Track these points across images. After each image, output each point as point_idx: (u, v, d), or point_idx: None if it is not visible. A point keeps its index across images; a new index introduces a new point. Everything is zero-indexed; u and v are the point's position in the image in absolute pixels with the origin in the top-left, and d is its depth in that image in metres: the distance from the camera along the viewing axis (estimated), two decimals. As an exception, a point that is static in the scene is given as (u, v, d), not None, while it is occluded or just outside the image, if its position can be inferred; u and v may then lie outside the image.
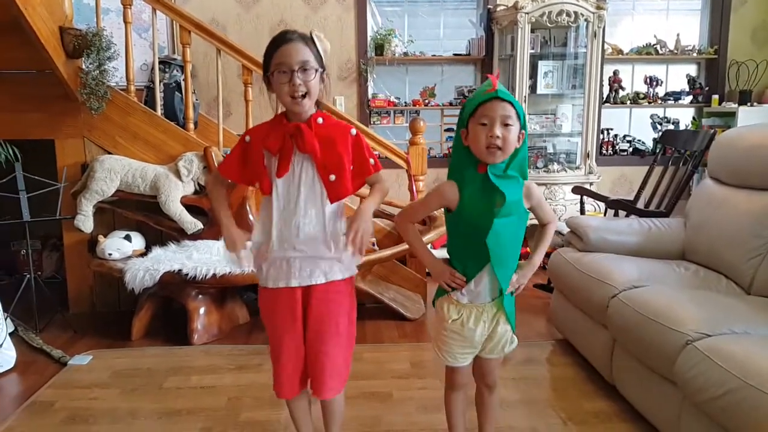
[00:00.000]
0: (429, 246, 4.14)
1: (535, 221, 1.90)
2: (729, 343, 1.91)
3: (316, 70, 1.72)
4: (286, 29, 1.76)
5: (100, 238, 3.55)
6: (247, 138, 1.82)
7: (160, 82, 3.98)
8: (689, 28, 5.47)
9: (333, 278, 1.84)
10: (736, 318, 2.12)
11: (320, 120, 1.77)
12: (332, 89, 5.24)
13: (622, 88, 5.38)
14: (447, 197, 1.77)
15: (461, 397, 2.00)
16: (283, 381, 1.89)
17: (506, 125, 1.67)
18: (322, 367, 1.85)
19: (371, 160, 1.85)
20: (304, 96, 1.71)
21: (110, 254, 3.45)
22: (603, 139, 5.38)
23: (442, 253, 4.78)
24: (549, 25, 4.76)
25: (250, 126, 3.80)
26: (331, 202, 1.78)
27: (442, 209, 1.83)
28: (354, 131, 1.82)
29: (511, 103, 1.68)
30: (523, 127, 1.72)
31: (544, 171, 4.96)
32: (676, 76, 5.50)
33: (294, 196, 1.77)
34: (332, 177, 1.76)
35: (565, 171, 4.96)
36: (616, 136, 5.48)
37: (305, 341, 1.87)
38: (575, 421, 2.43)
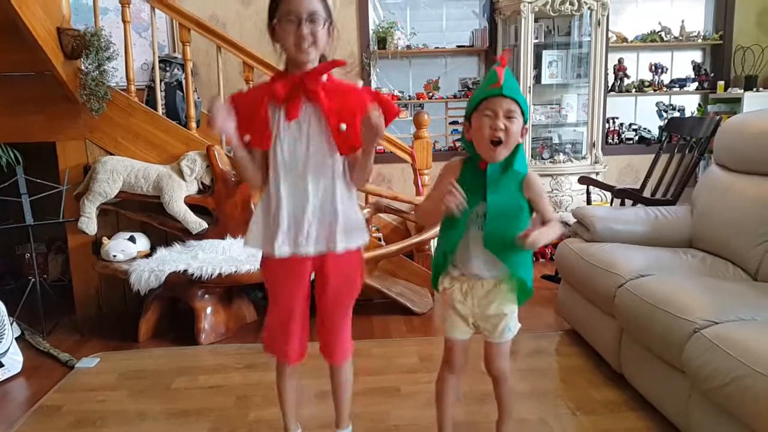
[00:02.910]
0: (435, 240, 4.13)
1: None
2: (736, 330, 1.89)
3: (325, 21, 1.66)
4: None
5: (105, 239, 3.55)
6: (244, 89, 1.77)
7: (160, 81, 3.98)
8: (694, 14, 5.42)
9: (349, 246, 1.79)
10: (744, 305, 2.09)
11: (324, 77, 1.71)
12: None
13: (627, 76, 5.35)
14: (455, 171, 1.78)
15: (451, 380, 1.97)
16: (292, 347, 1.88)
17: (510, 118, 1.66)
18: (339, 333, 1.88)
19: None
20: (309, 47, 1.65)
21: (115, 256, 3.45)
22: (609, 128, 5.35)
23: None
24: (552, 14, 4.72)
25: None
26: (342, 154, 1.72)
27: None
28: (360, 83, 1.79)
29: (516, 100, 1.66)
30: (525, 121, 1.70)
31: (550, 161, 4.93)
32: (682, 63, 5.46)
33: (302, 154, 1.70)
34: (343, 126, 1.69)
35: (571, 161, 4.93)
36: (621, 124, 5.44)
37: (318, 306, 1.87)
38: (584, 410, 2.42)
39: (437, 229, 3.58)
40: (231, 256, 3.36)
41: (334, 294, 1.84)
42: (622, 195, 3.82)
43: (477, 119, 1.69)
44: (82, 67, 3.51)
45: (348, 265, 1.83)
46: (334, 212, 1.74)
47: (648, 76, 5.40)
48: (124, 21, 3.66)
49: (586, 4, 4.67)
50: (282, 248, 1.73)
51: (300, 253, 1.74)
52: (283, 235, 1.73)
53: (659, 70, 5.36)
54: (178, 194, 3.53)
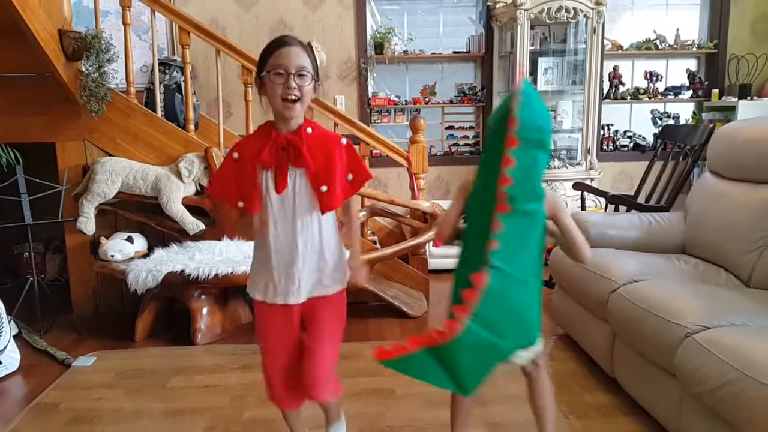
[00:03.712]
0: (431, 244, 4.17)
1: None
2: (728, 335, 1.92)
3: (312, 78, 1.71)
4: (286, 34, 1.75)
5: (102, 239, 3.57)
6: (235, 155, 1.77)
7: (160, 83, 4.00)
8: (689, 23, 5.47)
9: (333, 292, 1.86)
10: (735, 310, 2.12)
11: (309, 130, 1.75)
12: (332, 88, 5.29)
13: (622, 84, 5.39)
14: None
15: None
16: (283, 393, 1.90)
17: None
18: (321, 373, 1.86)
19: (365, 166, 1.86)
20: (296, 100, 1.69)
21: (112, 256, 3.47)
22: (603, 134, 5.39)
23: (444, 251, 4.78)
24: (548, 21, 4.76)
25: (251, 126, 3.83)
26: (323, 213, 1.77)
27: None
28: (344, 140, 1.80)
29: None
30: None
31: (545, 167, 4.96)
32: (676, 71, 5.50)
33: (289, 211, 1.76)
34: (324, 188, 1.74)
35: (566, 167, 4.97)
36: (616, 131, 5.49)
37: (304, 347, 1.87)
38: (577, 414, 2.44)
39: (431, 233, 3.62)
40: (227, 257, 3.39)
41: (315, 334, 1.85)
42: (616, 201, 3.85)
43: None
44: (83, 69, 3.54)
45: (338, 302, 1.88)
46: (323, 260, 1.81)
47: (643, 84, 5.44)
48: (124, 24, 3.69)
49: (582, 11, 4.71)
50: (274, 299, 1.81)
51: (290, 302, 1.81)
52: (275, 287, 1.80)
53: (654, 78, 5.40)
54: (176, 195, 3.55)
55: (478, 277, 1.59)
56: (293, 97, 1.68)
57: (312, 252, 1.79)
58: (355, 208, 1.97)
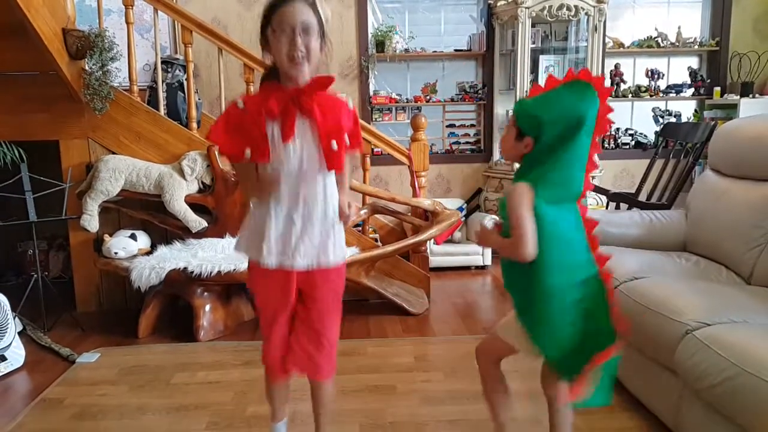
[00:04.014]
0: (432, 242, 4.18)
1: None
2: (728, 331, 1.93)
3: (318, 34, 1.65)
4: None
5: (106, 237, 3.59)
6: (240, 103, 1.69)
7: (162, 81, 4.01)
8: (690, 21, 5.47)
9: (339, 260, 1.79)
10: (736, 307, 2.13)
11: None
12: (334, 86, 5.24)
13: (624, 82, 5.39)
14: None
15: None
16: (276, 360, 1.86)
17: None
18: (325, 354, 1.84)
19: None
20: (303, 58, 1.62)
21: (116, 253, 3.49)
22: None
23: (445, 249, 4.78)
24: (549, 19, 4.77)
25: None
26: (329, 170, 1.72)
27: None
28: (351, 104, 1.77)
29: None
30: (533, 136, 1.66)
31: (547, 165, 4.96)
32: (678, 69, 5.50)
33: (295, 164, 1.69)
34: (334, 144, 1.69)
35: (568, 165, 4.96)
36: (618, 129, 5.49)
37: (302, 320, 1.83)
38: (577, 411, 2.43)
39: (432, 231, 3.63)
40: (230, 254, 3.40)
41: (323, 306, 1.82)
42: (617, 199, 3.87)
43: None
44: (86, 68, 3.56)
45: (337, 276, 1.83)
46: (326, 226, 1.75)
47: (644, 82, 5.44)
48: (127, 22, 3.70)
49: (583, 9, 4.72)
50: (269, 258, 1.72)
51: (286, 265, 1.73)
52: (270, 246, 1.72)
53: (656, 76, 5.40)
54: (179, 193, 3.57)
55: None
56: (300, 54, 1.61)
57: (314, 212, 1.72)
58: (349, 169, 1.88)
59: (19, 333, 3.20)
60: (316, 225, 1.73)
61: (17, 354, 3.03)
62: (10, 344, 2.99)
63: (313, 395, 1.96)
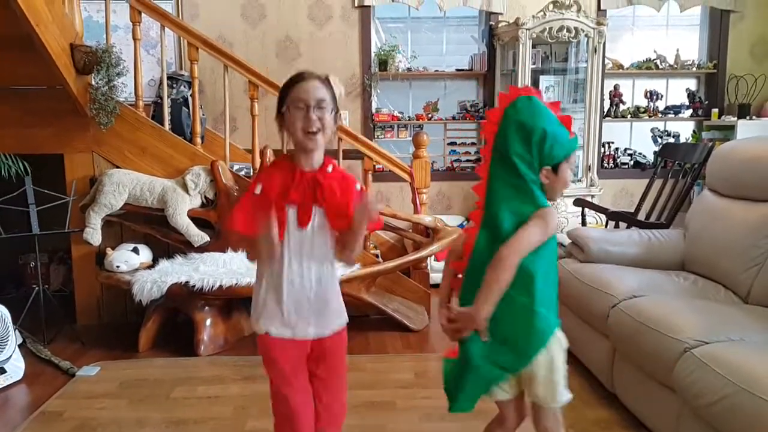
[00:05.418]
0: (432, 258, 4.20)
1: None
2: (726, 350, 1.95)
3: (332, 109, 1.71)
4: (304, 70, 1.74)
5: (108, 250, 3.60)
6: (258, 189, 1.75)
7: (167, 97, 4.05)
8: (689, 43, 5.54)
9: (340, 327, 1.84)
10: (733, 326, 2.16)
11: (330, 169, 1.76)
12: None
13: (623, 102, 5.44)
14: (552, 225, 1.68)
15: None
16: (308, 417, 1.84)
17: None
18: (332, 415, 1.87)
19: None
20: (317, 132, 1.68)
21: (118, 266, 3.50)
22: (604, 152, 5.43)
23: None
24: (550, 40, 4.82)
25: (256, 140, 3.87)
26: (333, 229, 1.77)
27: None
28: (359, 186, 1.81)
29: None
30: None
31: (546, 184, 4.99)
32: (676, 90, 5.55)
33: (307, 245, 1.75)
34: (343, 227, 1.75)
35: (567, 184, 4.99)
36: (617, 149, 5.53)
37: (314, 384, 1.86)
38: (577, 429, 2.46)
39: (433, 247, 3.65)
40: (231, 269, 3.42)
41: (327, 376, 1.86)
42: (616, 217, 3.89)
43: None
44: (93, 83, 3.59)
45: (341, 339, 1.87)
46: (328, 296, 1.80)
47: (643, 103, 5.49)
48: (134, 39, 3.75)
49: (583, 31, 4.78)
50: (282, 331, 1.77)
51: (298, 336, 1.78)
52: (283, 319, 1.77)
53: (654, 97, 5.45)
54: (182, 208, 3.59)
55: None
56: (314, 129, 1.67)
57: (321, 287, 1.78)
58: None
59: (19, 346, 3.20)
60: (323, 297, 1.79)
61: (17, 367, 3.03)
62: (10, 357, 3.00)
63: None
